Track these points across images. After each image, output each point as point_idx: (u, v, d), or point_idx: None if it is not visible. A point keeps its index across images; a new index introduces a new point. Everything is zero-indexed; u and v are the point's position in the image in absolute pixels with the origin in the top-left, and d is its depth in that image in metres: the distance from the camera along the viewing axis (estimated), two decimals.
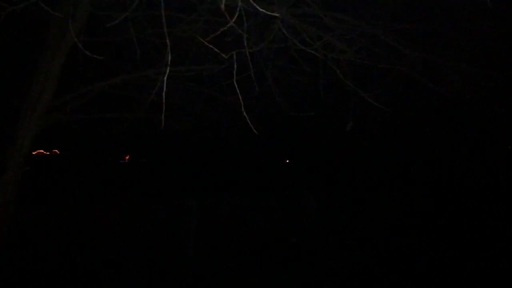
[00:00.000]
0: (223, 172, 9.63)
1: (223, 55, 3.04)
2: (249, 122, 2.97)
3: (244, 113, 2.93)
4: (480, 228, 8.56)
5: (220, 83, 5.52)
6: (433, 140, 8.14)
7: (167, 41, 2.90)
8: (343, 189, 9.27)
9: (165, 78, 2.72)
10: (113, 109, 6.13)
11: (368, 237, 8.34)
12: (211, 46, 2.97)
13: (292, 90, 5.38)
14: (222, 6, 2.73)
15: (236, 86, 2.94)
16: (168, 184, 9.44)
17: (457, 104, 6.06)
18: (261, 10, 2.72)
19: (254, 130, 3.09)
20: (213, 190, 8.45)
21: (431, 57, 4.84)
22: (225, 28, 2.92)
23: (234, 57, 3.06)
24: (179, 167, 9.69)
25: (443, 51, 5.03)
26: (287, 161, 12.12)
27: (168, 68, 2.87)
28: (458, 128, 7.46)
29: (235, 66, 2.90)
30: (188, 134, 7.18)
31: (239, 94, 2.93)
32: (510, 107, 6.36)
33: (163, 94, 2.91)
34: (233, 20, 2.88)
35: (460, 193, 9.59)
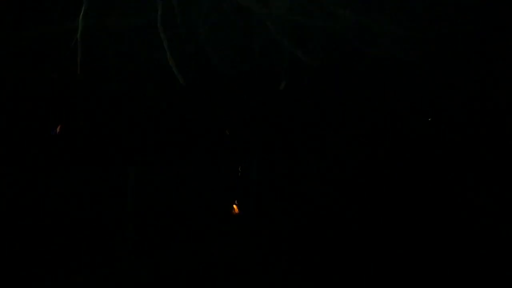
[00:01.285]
0: (158, 137, 9.29)
1: None
2: (175, 71, 2.81)
3: (171, 62, 2.76)
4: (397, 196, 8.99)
5: (151, 39, 5.24)
6: (363, 100, 8.41)
7: None
8: (283, 153, 9.35)
9: (80, 21, 2.46)
10: (33, 69, 5.63)
11: (308, 200, 8.54)
12: None
13: (226, 48, 5.22)
14: None
15: (163, 36, 2.75)
16: (104, 152, 8.92)
17: (387, 65, 6.25)
18: None
19: (181, 81, 2.93)
20: (148, 156, 8.13)
21: (363, 18, 4.89)
22: None
23: (160, 2, 2.84)
24: (113, 132, 9.19)
25: (375, 14, 5.09)
26: (227, 132, 12.01)
27: (82, 14, 2.60)
28: (386, 90, 7.77)
29: (160, 11, 2.69)
30: (120, 95, 6.80)
31: (165, 44, 2.76)
32: (439, 69, 6.68)
33: (78, 43, 2.65)
34: None
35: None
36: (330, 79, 6.61)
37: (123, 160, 7.49)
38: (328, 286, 4.84)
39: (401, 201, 8.82)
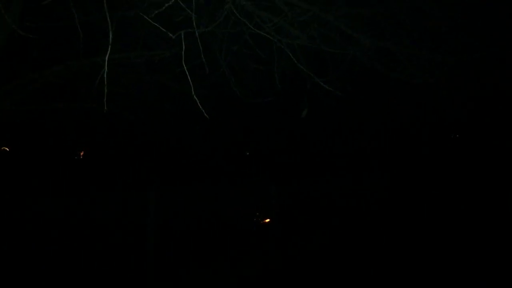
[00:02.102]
0: (180, 164, 9.40)
1: (170, 34, 2.88)
2: (200, 106, 2.84)
3: (195, 97, 2.80)
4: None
5: (174, 71, 5.34)
6: (388, 125, 8.32)
7: (108, 19, 2.70)
8: (304, 179, 9.30)
9: (106, 58, 2.55)
10: (59, 100, 5.81)
11: (328, 225, 8.45)
12: (156, 24, 2.80)
13: (248, 77, 5.28)
14: None
15: (185, 68, 2.80)
16: (125, 178, 9.09)
17: (411, 89, 6.19)
18: None
19: (205, 115, 2.96)
20: (170, 183, 8.19)
21: (383, 43, 4.88)
22: (170, 3, 2.76)
23: (182, 36, 2.91)
24: (135, 159, 9.37)
25: (395, 37, 5.08)
26: (247, 153, 12.05)
27: (109, 49, 2.68)
28: (411, 114, 7.68)
29: (183, 46, 2.75)
30: (142, 125, 6.93)
31: (189, 78, 2.80)
32: (460, 91, 6.58)
33: (104, 78, 2.72)
34: None
35: (418, 180, 9.95)
36: (353, 105, 6.58)
37: (143, 185, 7.53)
38: None
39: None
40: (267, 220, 7.59)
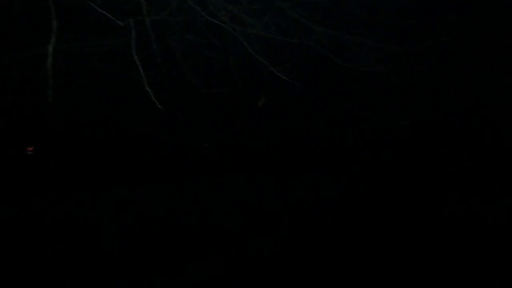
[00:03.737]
0: (134, 158, 9.12)
1: (118, 22, 2.77)
2: (153, 97, 2.76)
3: (147, 88, 2.72)
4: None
5: (127, 60, 5.17)
6: (341, 113, 8.51)
7: (52, 8, 2.55)
8: (263, 172, 9.32)
9: (50, 48, 2.41)
10: (5, 93, 5.49)
11: (286, 219, 8.52)
12: (103, 12, 2.68)
13: (203, 66, 5.20)
14: None
15: (136, 58, 2.71)
16: (77, 174, 8.69)
17: (363, 77, 6.34)
18: None
19: (159, 105, 2.88)
20: (125, 178, 7.92)
21: (338, 33, 4.96)
22: None
23: (132, 24, 2.81)
24: (88, 154, 8.99)
25: (348, 27, 5.17)
26: (206, 145, 11.86)
27: (54, 37, 2.54)
28: (364, 102, 7.90)
29: (134, 34, 2.66)
30: (94, 118, 6.67)
31: (140, 67, 2.72)
32: (413, 79, 6.83)
33: (48, 68, 2.58)
34: None
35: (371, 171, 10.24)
36: (308, 94, 6.67)
37: (98, 183, 7.29)
38: None
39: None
40: None
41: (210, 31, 4.61)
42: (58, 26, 2.75)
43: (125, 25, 2.89)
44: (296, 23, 4.76)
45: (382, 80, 6.18)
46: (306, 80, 5.27)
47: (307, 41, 4.72)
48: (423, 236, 7.17)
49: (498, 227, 7.29)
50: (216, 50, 4.81)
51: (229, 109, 6.76)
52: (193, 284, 5.70)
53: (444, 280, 5.20)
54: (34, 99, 5.16)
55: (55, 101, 3.46)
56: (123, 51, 4.93)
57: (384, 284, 5.10)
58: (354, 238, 7.29)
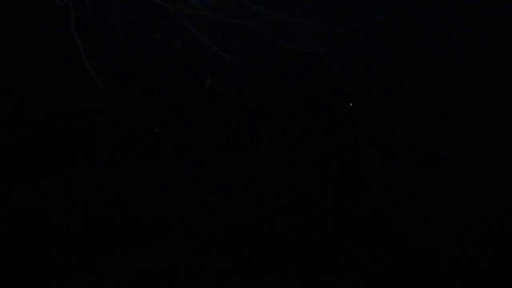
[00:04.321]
0: (81, 145, 8.87)
1: (57, 2, 2.75)
2: (94, 76, 2.78)
3: (88, 66, 2.72)
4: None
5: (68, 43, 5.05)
6: (285, 93, 8.76)
7: None
8: (212, 153, 9.39)
9: None
10: None
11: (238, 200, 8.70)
12: None
13: (148, 47, 5.18)
14: None
15: (76, 36, 2.70)
16: (22, 164, 8.34)
17: (306, 59, 6.57)
18: None
19: (101, 85, 2.90)
20: (71, 169, 7.65)
21: (280, 14, 5.12)
22: None
23: (71, 4, 2.80)
24: (29, 143, 8.66)
25: (291, 9, 5.35)
26: (157, 130, 11.74)
27: None
28: (306, 83, 8.18)
29: (74, 14, 2.65)
30: (35, 103, 6.45)
31: (81, 48, 2.71)
32: (353, 59, 7.15)
33: None
34: None
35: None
36: (253, 74, 6.82)
37: (44, 168, 7.09)
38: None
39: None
40: None
41: (154, 12, 4.62)
42: None
43: (63, 5, 2.87)
44: (240, 5, 4.86)
45: (324, 61, 6.45)
46: (250, 61, 5.42)
47: (251, 22, 4.85)
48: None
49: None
50: (160, 31, 4.83)
51: (175, 90, 6.77)
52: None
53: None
54: None
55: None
56: (64, 33, 4.83)
57: None
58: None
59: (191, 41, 4.84)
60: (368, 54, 7.63)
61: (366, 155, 10.47)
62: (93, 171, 6.95)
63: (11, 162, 8.46)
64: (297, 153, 10.78)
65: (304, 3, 5.30)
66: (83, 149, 8.77)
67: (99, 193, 6.61)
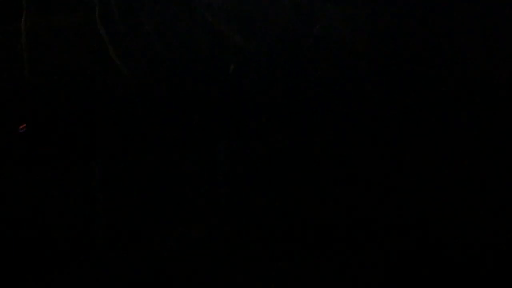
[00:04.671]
0: (122, 131, 9.11)
1: None
2: (120, 65, 2.94)
3: (112, 56, 2.90)
4: None
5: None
6: (308, 81, 8.77)
7: None
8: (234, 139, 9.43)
9: (22, 24, 2.57)
10: None
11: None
12: None
13: (172, 37, 5.37)
14: None
15: (104, 33, 2.88)
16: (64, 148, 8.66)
17: (329, 45, 6.58)
18: None
19: (125, 72, 3.08)
20: (115, 153, 7.85)
21: (301, 0, 5.17)
22: None
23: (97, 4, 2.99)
24: (73, 128, 8.98)
25: None
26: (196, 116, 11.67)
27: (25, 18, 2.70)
28: (330, 70, 8.18)
29: (97, 9, 2.84)
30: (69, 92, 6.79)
31: (108, 43, 2.90)
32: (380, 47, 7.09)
33: (23, 44, 2.76)
34: None
35: None
36: (275, 62, 6.88)
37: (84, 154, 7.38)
38: None
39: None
40: None
41: (176, 2, 4.78)
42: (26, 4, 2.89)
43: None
44: None
45: (346, 45, 6.43)
46: (270, 48, 5.52)
47: (270, 9, 4.92)
48: None
49: None
50: (183, 20, 4.99)
51: (197, 76, 6.92)
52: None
53: None
54: (9, 74, 5.29)
55: (30, 76, 3.60)
56: (91, 26, 5.08)
57: None
58: None
59: (213, 30, 4.97)
60: (389, 42, 7.50)
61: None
62: (134, 157, 7.15)
63: (47, 146, 8.74)
64: (315, 141, 10.59)
65: None
66: (104, 136, 9.01)
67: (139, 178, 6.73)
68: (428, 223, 5.87)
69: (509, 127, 7.35)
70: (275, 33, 5.49)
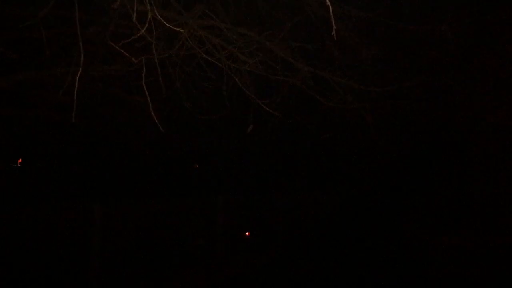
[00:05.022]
0: (129, 176, 9.58)
1: (133, 59, 3.34)
2: (156, 121, 3.30)
3: (152, 113, 3.25)
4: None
5: (128, 85, 5.76)
6: (323, 145, 9.19)
7: (80, 42, 3.12)
8: (251, 193, 9.76)
9: (78, 77, 2.95)
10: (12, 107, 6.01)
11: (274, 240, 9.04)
12: (122, 50, 3.26)
13: (200, 95, 5.80)
14: (134, 17, 3.06)
15: (145, 87, 3.25)
16: (71, 189, 9.02)
17: (342, 113, 7.02)
18: (167, 25, 3.10)
19: (161, 128, 3.43)
20: (119, 195, 8.15)
21: (320, 72, 5.62)
22: (136, 37, 3.25)
23: (143, 61, 3.39)
24: (83, 170, 9.43)
25: (331, 68, 5.85)
26: (197, 166, 12.41)
27: (80, 68, 3.08)
28: (341, 136, 8.64)
29: (144, 70, 3.21)
30: (95, 135, 7.19)
31: (147, 95, 3.25)
32: (386, 115, 7.54)
33: (75, 92, 3.12)
34: (144, 29, 3.22)
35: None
36: (290, 125, 7.29)
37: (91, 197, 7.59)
38: None
39: None
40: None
41: (208, 65, 5.24)
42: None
43: (138, 61, 3.47)
44: (284, 63, 5.41)
45: (358, 115, 6.85)
46: (289, 113, 5.90)
47: (292, 79, 5.37)
48: None
49: None
50: (212, 82, 5.43)
51: (221, 133, 7.34)
52: None
53: None
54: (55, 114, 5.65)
55: (77, 120, 3.84)
56: (123, 77, 5.54)
57: None
58: None
59: (237, 92, 5.40)
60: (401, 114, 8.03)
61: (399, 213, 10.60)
62: (134, 200, 7.30)
63: (60, 182, 8.97)
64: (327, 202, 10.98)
65: (343, 64, 5.78)
66: (129, 181, 9.38)
67: (136, 223, 6.81)
68: None
69: None
70: (294, 99, 5.93)
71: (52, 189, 8.72)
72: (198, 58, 5.03)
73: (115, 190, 8.79)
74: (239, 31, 4.92)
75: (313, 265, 7.70)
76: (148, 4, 3.11)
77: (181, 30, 3.71)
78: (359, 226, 10.25)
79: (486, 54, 7.76)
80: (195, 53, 4.96)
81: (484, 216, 9.10)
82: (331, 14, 2.67)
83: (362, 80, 5.72)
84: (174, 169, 9.33)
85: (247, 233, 8.34)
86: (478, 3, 7.27)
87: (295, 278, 7.07)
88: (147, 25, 3.16)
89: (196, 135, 7.97)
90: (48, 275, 5.28)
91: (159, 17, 3.06)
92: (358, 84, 5.77)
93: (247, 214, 8.79)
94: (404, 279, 6.73)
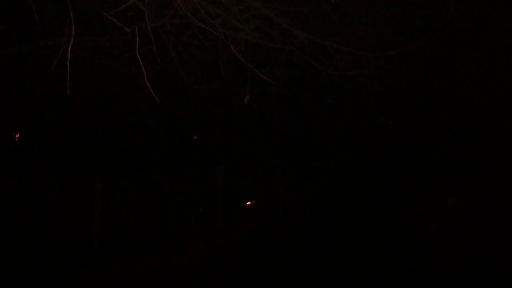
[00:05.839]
0: (127, 150, 9.51)
1: (126, 29, 3.25)
2: (152, 92, 3.24)
3: (147, 83, 3.18)
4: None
5: (122, 56, 5.63)
6: (319, 113, 9.13)
7: (71, 13, 3.02)
8: (247, 165, 9.78)
9: (70, 48, 2.87)
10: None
11: (272, 211, 9.12)
12: (114, 19, 3.16)
13: (195, 65, 5.69)
14: None
15: (139, 58, 3.17)
16: (66, 163, 8.92)
17: (341, 81, 6.91)
18: None
19: (156, 99, 3.37)
20: (117, 169, 8.09)
21: (317, 38, 5.49)
22: (127, 4, 3.14)
23: (136, 31, 3.29)
24: (78, 144, 9.34)
25: (329, 35, 5.71)
26: (195, 137, 12.33)
27: (72, 38, 3.00)
28: (341, 105, 8.56)
29: (137, 39, 3.12)
30: (89, 107, 7.11)
31: (142, 66, 3.17)
32: (386, 84, 7.44)
33: (68, 64, 3.05)
34: None
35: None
36: (288, 94, 7.21)
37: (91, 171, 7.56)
38: None
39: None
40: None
41: (202, 34, 5.11)
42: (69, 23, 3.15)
43: (131, 31, 3.37)
44: (280, 29, 5.28)
45: (357, 82, 6.76)
46: (287, 81, 5.81)
47: (289, 46, 5.25)
48: None
49: None
50: (207, 51, 5.32)
51: (218, 104, 7.26)
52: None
53: None
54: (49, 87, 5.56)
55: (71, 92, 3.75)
56: (117, 47, 5.42)
57: None
58: None
59: (234, 61, 5.28)
60: (396, 79, 7.91)
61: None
62: (134, 176, 7.28)
63: (57, 158, 8.92)
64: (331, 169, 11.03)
65: (341, 30, 5.65)
66: (129, 155, 9.34)
67: (134, 194, 6.82)
68: None
69: None
70: (291, 67, 5.82)
71: (50, 164, 8.68)
72: (192, 27, 4.90)
73: (112, 163, 8.71)
74: None
75: (316, 234, 7.81)
76: None
77: None
78: (362, 191, 10.36)
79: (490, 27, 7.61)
80: (190, 22, 4.83)
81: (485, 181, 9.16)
82: None
83: (361, 46, 5.59)
84: (173, 140, 9.27)
85: (248, 203, 8.41)
86: None
87: (297, 247, 7.18)
88: None
89: (194, 106, 7.88)
90: (49, 251, 5.27)
91: None
92: (358, 50, 5.66)
93: (248, 183, 8.85)
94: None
